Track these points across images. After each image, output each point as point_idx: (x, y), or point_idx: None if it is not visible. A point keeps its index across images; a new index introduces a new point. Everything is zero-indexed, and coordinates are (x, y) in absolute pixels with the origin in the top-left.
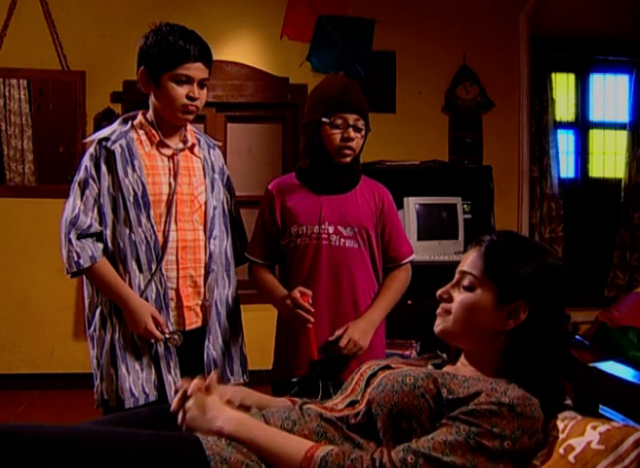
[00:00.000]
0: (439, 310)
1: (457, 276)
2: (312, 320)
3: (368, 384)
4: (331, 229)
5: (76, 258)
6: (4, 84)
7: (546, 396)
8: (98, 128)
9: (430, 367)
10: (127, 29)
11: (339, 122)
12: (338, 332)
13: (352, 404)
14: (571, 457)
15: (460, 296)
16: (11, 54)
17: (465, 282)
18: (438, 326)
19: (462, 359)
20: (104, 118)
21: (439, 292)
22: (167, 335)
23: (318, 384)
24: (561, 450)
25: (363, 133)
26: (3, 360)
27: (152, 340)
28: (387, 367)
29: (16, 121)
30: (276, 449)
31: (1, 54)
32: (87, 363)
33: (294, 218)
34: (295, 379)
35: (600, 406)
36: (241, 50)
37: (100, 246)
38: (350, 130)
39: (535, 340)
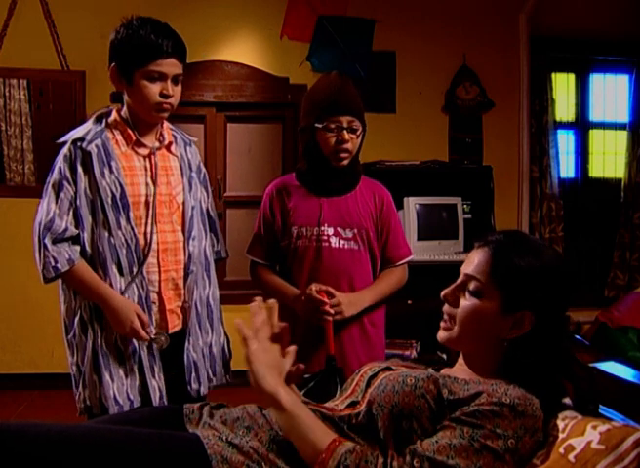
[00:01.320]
0: (443, 323)
1: (462, 277)
2: (332, 312)
3: (368, 385)
4: (330, 231)
5: (53, 263)
6: (4, 84)
7: (546, 396)
8: None
9: (430, 369)
10: None
11: (332, 126)
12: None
13: (353, 404)
14: (571, 457)
15: (464, 302)
16: (11, 54)
17: (472, 286)
18: (443, 337)
19: (461, 360)
20: None
21: (444, 294)
22: (153, 336)
23: (335, 379)
24: (561, 450)
25: (359, 132)
26: (3, 360)
27: (136, 343)
28: (388, 368)
29: (16, 121)
30: (304, 433)
31: (1, 54)
32: None
33: (293, 220)
34: (307, 376)
35: (600, 406)
36: (241, 50)
37: (77, 248)
38: (345, 132)
39: (538, 347)
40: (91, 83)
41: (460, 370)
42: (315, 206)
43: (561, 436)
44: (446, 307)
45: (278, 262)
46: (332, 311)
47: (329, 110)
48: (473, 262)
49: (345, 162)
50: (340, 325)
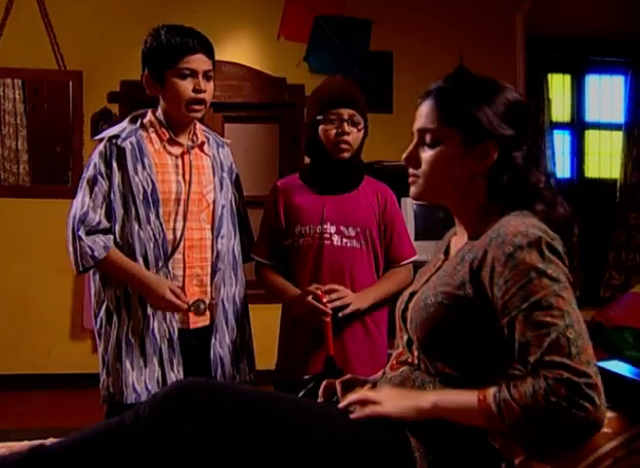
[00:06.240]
0: (410, 178)
1: (416, 135)
2: (330, 312)
3: (404, 320)
4: (333, 229)
5: (91, 253)
6: None
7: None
8: (95, 128)
9: (443, 256)
10: (124, 29)
11: (332, 117)
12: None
13: (409, 343)
14: None
15: (426, 156)
16: (7, 53)
17: (427, 139)
18: (412, 192)
19: (456, 221)
20: (102, 118)
21: (404, 157)
22: (190, 304)
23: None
24: None
25: (360, 127)
26: (1, 360)
27: (158, 335)
28: (412, 294)
29: (10, 121)
30: (455, 404)
31: None
32: (84, 363)
33: (297, 218)
34: (307, 377)
35: None
36: (238, 50)
37: (111, 236)
38: (345, 124)
39: (513, 173)
40: (88, 83)
41: (460, 235)
42: (318, 204)
43: None
44: (410, 170)
45: (283, 262)
46: (329, 311)
47: (331, 103)
48: (421, 116)
49: (346, 154)
50: (343, 325)
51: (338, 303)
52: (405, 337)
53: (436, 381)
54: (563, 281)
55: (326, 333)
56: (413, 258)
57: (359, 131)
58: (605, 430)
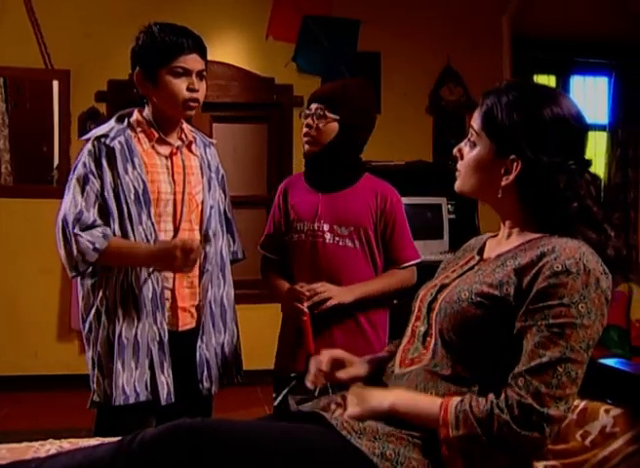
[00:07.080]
0: (457, 172)
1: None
2: (306, 311)
3: (430, 309)
4: (326, 227)
5: (92, 246)
6: None
7: (590, 237)
8: (82, 127)
9: (477, 257)
10: (112, 28)
11: (301, 114)
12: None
13: (424, 338)
14: (587, 442)
15: (465, 153)
16: None
17: (471, 137)
18: (455, 185)
19: (500, 222)
20: (89, 118)
21: (454, 152)
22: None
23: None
24: (578, 437)
25: (327, 121)
26: None
27: (148, 337)
28: (443, 286)
29: None
30: (413, 410)
31: None
32: (71, 364)
33: (295, 214)
34: (293, 374)
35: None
36: (227, 50)
37: (107, 228)
38: (309, 119)
39: (537, 194)
40: (75, 82)
41: (500, 238)
42: (314, 202)
43: (570, 416)
44: (458, 163)
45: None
46: (305, 310)
47: (308, 101)
48: (475, 115)
49: (307, 147)
50: (332, 321)
51: (315, 299)
52: (422, 328)
53: (441, 381)
54: (589, 319)
55: (305, 332)
56: (415, 261)
57: (324, 124)
58: (612, 429)
